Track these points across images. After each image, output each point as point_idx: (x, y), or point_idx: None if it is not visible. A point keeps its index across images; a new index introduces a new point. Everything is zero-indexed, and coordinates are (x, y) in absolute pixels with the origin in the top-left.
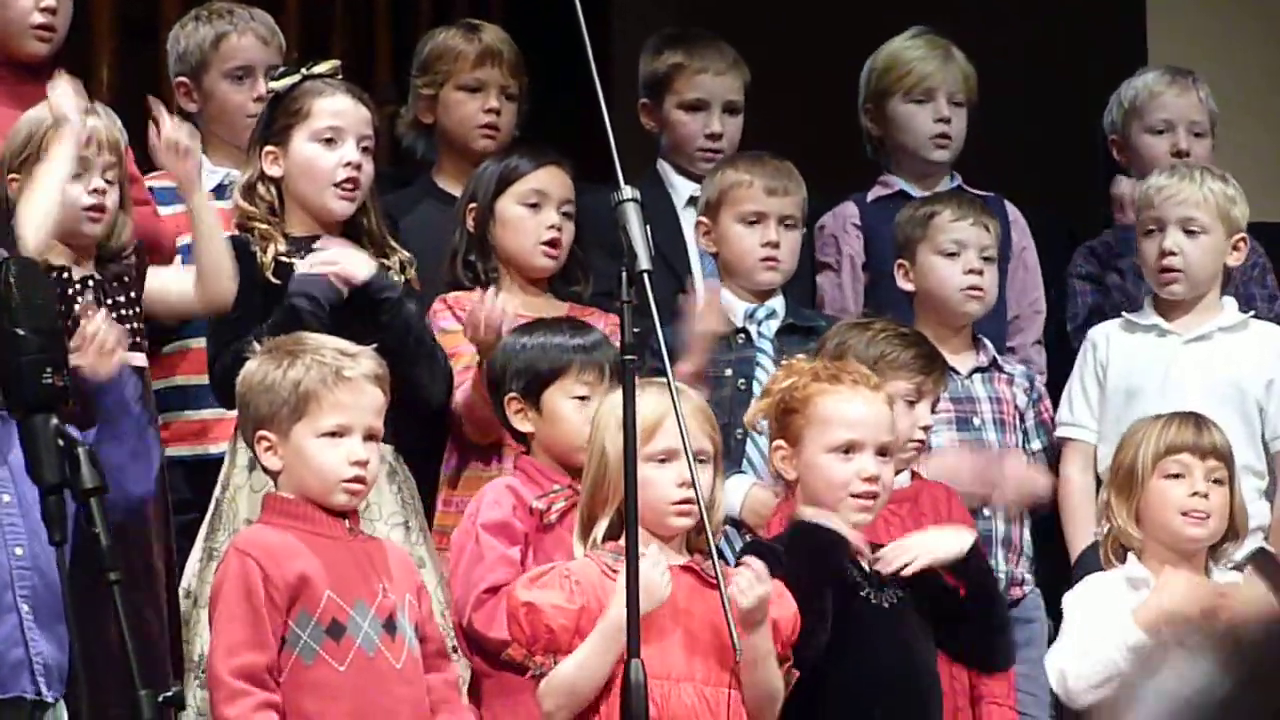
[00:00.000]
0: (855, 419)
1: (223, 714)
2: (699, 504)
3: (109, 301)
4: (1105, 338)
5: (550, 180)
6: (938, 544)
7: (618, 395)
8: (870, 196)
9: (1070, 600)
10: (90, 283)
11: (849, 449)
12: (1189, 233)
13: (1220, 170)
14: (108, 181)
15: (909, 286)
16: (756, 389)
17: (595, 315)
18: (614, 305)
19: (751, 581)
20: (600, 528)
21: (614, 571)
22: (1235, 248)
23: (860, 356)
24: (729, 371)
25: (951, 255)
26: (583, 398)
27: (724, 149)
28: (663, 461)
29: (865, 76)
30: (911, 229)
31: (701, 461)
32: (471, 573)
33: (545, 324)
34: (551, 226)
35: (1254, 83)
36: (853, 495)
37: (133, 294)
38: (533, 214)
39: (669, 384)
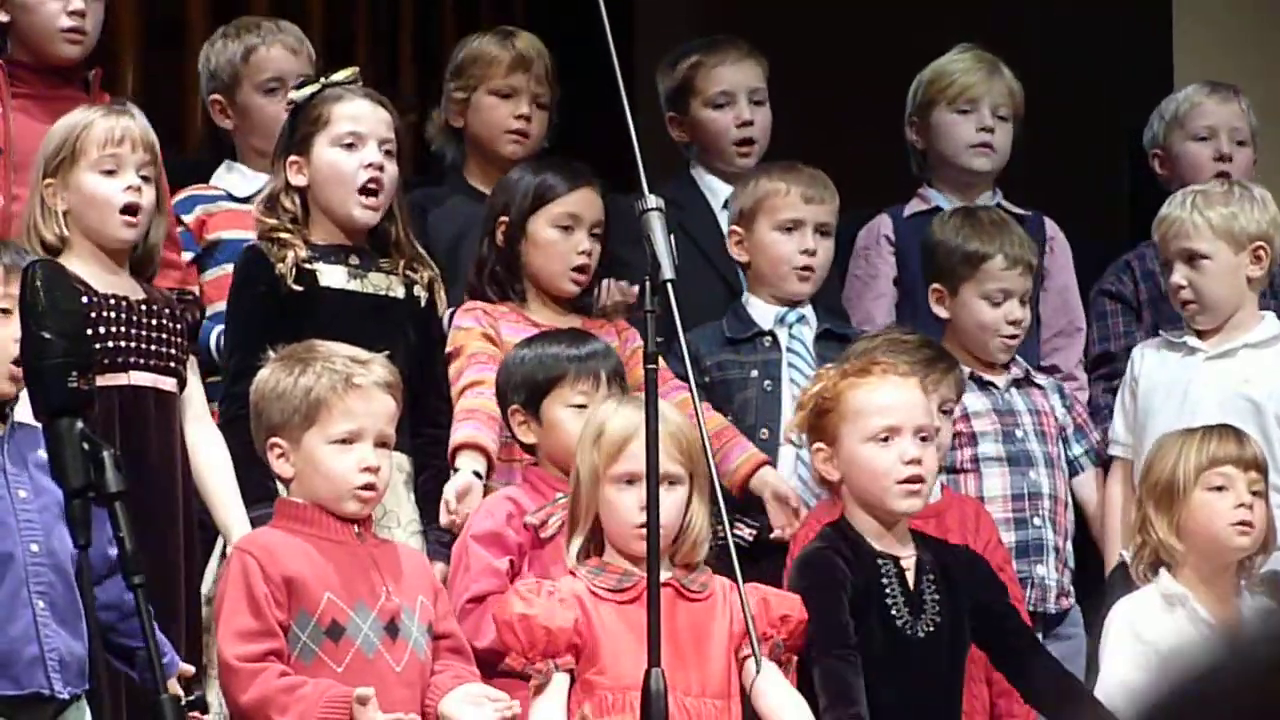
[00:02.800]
0: (889, 404)
1: (243, 701)
2: (726, 526)
3: (151, 323)
4: (1141, 355)
5: (583, 203)
6: None
7: (599, 411)
8: (906, 211)
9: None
10: (121, 302)
11: (887, 435)
12: (1192, 264)
13: (1232, 185)
14: (143, 178)
15: (944, 314)
16: (783, 391)
17: (605, 327)
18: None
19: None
20: (575, 545)
21: (600, 589)
22: (1257, 257)
23: (885, 361)
24: (754, 373)
25: (996, 304)
26: (580, 406)
27: (757, 138)
28: (629, 483)
29: (912, 90)
30: (957, 262)
31: (671, 483)
32: (459, 583)
33: (545, 336)
34: (582, 252)
35: None
36: (898, 482)
37: (176, 325)
38: (565, 237)
39: (692, 395)
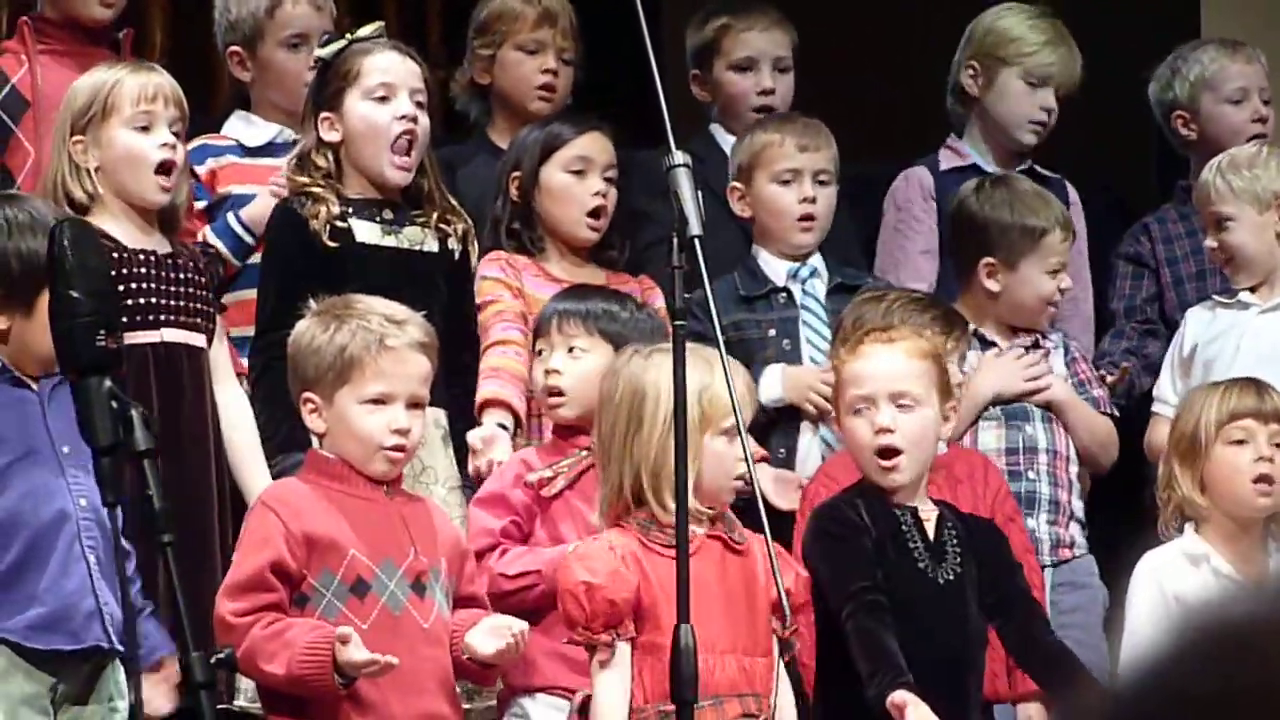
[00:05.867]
0: (862, 374)
1: (237, 657)
2: (751, 475)
3: (180, 277)
4: (1195, 316)
5: (594, 146)
6: None
7: (668, 362)
8: (943, 165)
9: (1131, 598)
10: (150, 258)
11: (861, 406)
12: (1221, 226)
13: (1261, 146)
14: (175, 135)
15: (995, 287)
16: (802, 349)
17: (630, 281)
18: (663, 269)
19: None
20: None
21: (655, 544)
22: None
23: (877, 328)
24: (772, 332)
25: (1054, 272)
26: (539, 352)
27: (776, 106)
28: (731, 435)
29: (981, 34)
30: (1017, 237)
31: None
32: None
33: (567, 289)
34: (596, 193)
35: None
36: (874, 453)
37: (203, 279)
38: (578, 181)
39: (719, 350)
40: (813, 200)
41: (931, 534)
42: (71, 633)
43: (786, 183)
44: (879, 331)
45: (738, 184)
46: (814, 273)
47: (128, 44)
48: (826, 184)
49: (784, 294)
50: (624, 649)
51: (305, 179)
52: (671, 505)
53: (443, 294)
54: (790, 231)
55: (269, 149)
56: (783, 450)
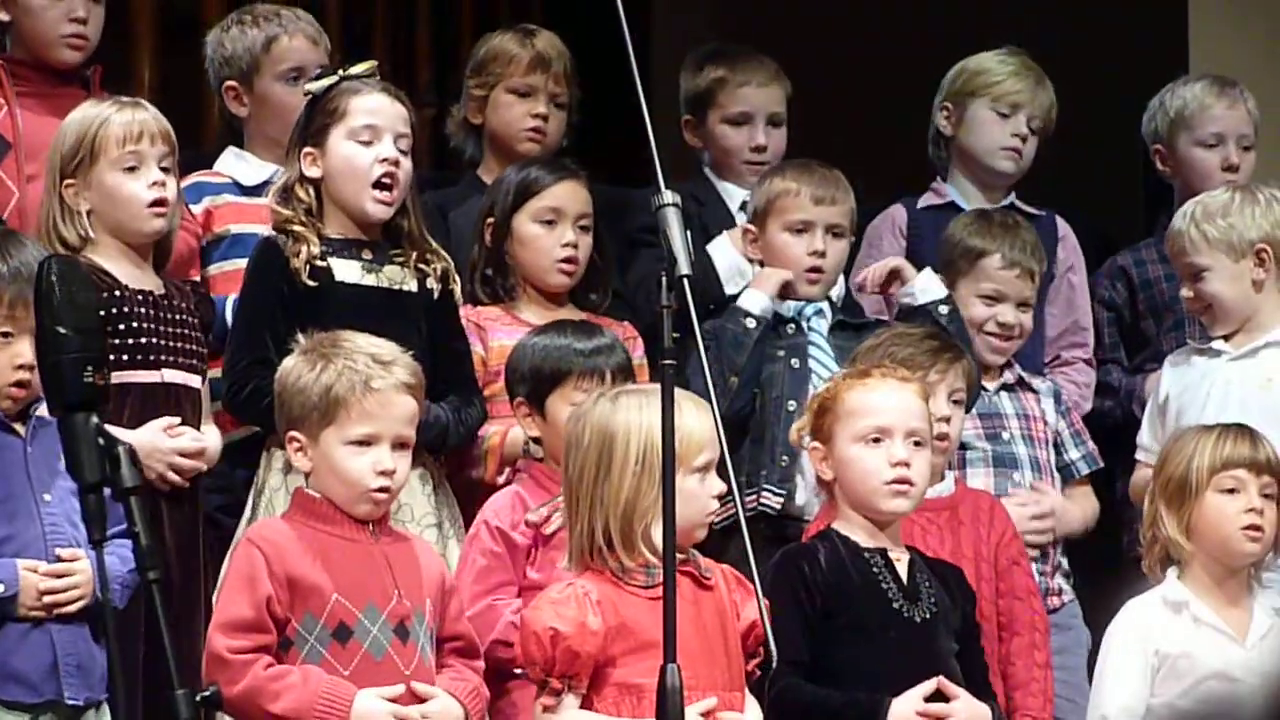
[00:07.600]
0: (881, 406)
1: (232, 693)
2: (739, 509)
3: (175, 318)
4: (1171, 363)
5: (567, 195)
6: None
7: (634, 404)
8: (921, 204)
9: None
10: (148, 298)
11: (878, 436)
12: (1197, 278)
13: (1235, 191)
14: (163, 170)
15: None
16: (811, 367)
17: (613, 326)
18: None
19: None
20: (650, 539)
21: (632, 585)
22: (1260, 260)
23: (883, 364)
24: (781, 352)
25: (990, 301)
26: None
27: (769, 161)
28: (704, 473)
29: (952, 76)
30: (957, 256)
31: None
32: (468, 586)
33: (556, 326)
34: (567, 244)
35: None
36: (885, 483)
37: (195, 320)
38: (549, 231)
39: (709, 391)
40: (822, 254)
41: (905, 575)
42: (31, 686)
43: (799, 233)
44: (888, 367)
45: (751, 227)
46: (819, 311)
47: (96, 80)
48: (840, 237)
49: (792, 324)
50: (571, 702)
51: (288, 213)
52: (642, 550)
53: (423, 333)
54: (797, 281)
55: (265, 188)
56: (785, 459)
